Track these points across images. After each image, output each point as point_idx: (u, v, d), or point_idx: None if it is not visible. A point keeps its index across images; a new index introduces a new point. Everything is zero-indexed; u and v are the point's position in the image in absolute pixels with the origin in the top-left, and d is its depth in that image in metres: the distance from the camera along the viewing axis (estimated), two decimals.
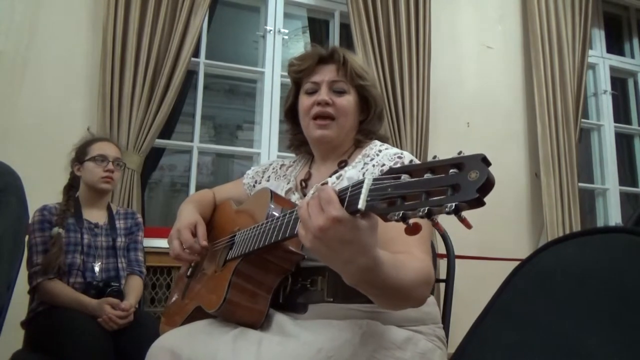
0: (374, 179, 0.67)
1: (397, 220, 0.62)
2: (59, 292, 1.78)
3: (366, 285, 0.79)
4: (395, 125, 2.94)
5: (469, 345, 0.81)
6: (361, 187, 0.68)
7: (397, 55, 3.00)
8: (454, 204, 0.56)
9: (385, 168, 1.05)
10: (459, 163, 0.58)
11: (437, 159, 0.62)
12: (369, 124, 1.20)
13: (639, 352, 0.61)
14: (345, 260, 0.73)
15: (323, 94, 1.15)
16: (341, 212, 0.69)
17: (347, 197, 0.70)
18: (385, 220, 0.64)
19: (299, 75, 1.21)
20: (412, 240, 0.92)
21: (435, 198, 0.58)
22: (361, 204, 0.66)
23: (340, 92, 1.16)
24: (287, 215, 0.90)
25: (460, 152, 0.60)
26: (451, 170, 0.58)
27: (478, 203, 0.56)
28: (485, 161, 0.57)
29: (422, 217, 0.59)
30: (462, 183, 0.56)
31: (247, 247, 1.01)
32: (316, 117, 1.15)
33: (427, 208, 0.58)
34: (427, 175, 0.60)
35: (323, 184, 1.13)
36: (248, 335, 0.97)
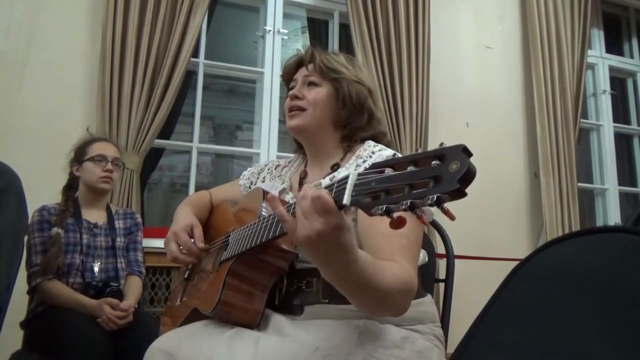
0: (359, 174, 0.68)
1: (381, 215, 0.62)
2: (58, 292, 1.78)
3: (344, 282, 0.80)
4: (394, 125, 2.94)
5: (469, 345, 0.81)
6: (346, 182, 0.68)
7: (396, 55, 3.00)
8: (435, 196, 0.56)
9: None
10: (441, 154, 0.58)
11: (419, 151, 0.62)
12: (350, 118, 1.19)
13: (639, 352, 0.61)
14: (329, 257, 0.75)
15: (295, 89, 1.19)
16: (342, 219, 0.70)
17: (333, 193, 0.71)
18: (370, 214, 0.64)
19: (286, 78, 1.28)
20: (398, 249, 0.92)
21: (418, 190, 0.58)
22: (346, 200, 0.67)
23: (312, 85, 1.19)
24: None
25: (442, 144, 0.60)
26: (433, 162, 0.58)
27: (459, 194, 0.56)
28: (466, 151, 0.57)
29: (405, 210, 0.59)
30: (443, 174, 0.56)
31: (241, 247, 1.01)
32: (289, 110, 1.19)
33: (409, 201, 0.58)
34: (410, 168, 0.61)
35: (315, 185, 1.14)
36: (244, 335, 0.97)
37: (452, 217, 0.59)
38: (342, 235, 0.72)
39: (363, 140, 1.19)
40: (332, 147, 1.20)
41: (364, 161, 1.12)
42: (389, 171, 0.63)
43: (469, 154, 0.56)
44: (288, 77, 1.26)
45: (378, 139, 1.20)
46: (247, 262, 1.02)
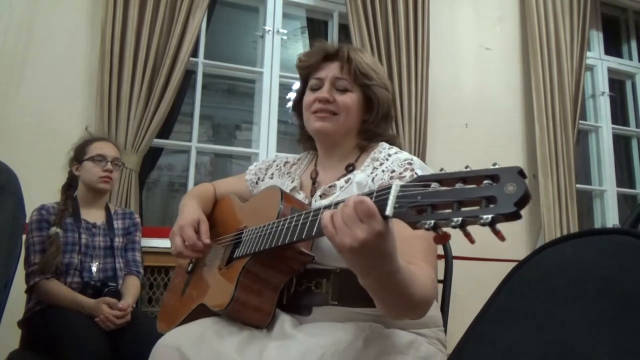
0: (402, 186, 0.66)
1: (427, 229, 0.61)
2: (56, 291, 1.78)
3: (381, 289, 0.80)
4: (393, 126, 2.94)
5: (467, 346, 0.81)
6: (388, 193, 0.67)
7: (395, 56, 3.00)
8: (490, 216, 0.55)
9: (395, 174, 1.04)
10: (494, 175, 0.57)
11: (469, 169, 0.61)
12: (372, 124, 1.17)
13: (637, 354, 0.61)
14: (371, 266, 0.74)
15: (324, 91, 1.14)
16: (384, 226, 0.69)
17: (373, 202, 0.69)
18: (415, 228, 0.63)
19: (305, 71, 1.21)
20: (419, 252, 0.93)
21: (469, 209, 0.58)
22: (389, 211, 0.66)
23: (343, 90, 1.14)
24: (303, 217, 0.89)
25: (494, 164, 0.58)
26: (485, 182, 0.57)
27: (515, 216, 0.55)
28: (522, 174, 0.56)
29: (454, 227, 0.58)
30: (498, 195, 0.56)
31: (257, 246, 0.99)
32: (316, 112, 1.15)
33: (460, 218, 0.57)
34: (459, 185, 0.60)
35: (331, 187, 1.13)
36: (254, 340, 0.96)
37: (502, 238, 0.58)
38: (384, 243, 0.70)
39: (377, 142, 1.18)
40: (349, 149, 1.19)
41: (381, 164, 1.11)
42: (435, 186, 0.62)
43: (524, 176, 0.56)
44: (308, 69, 1.19)
45: (391, 142, 1.19)
46: (262, 262, 1.01)
